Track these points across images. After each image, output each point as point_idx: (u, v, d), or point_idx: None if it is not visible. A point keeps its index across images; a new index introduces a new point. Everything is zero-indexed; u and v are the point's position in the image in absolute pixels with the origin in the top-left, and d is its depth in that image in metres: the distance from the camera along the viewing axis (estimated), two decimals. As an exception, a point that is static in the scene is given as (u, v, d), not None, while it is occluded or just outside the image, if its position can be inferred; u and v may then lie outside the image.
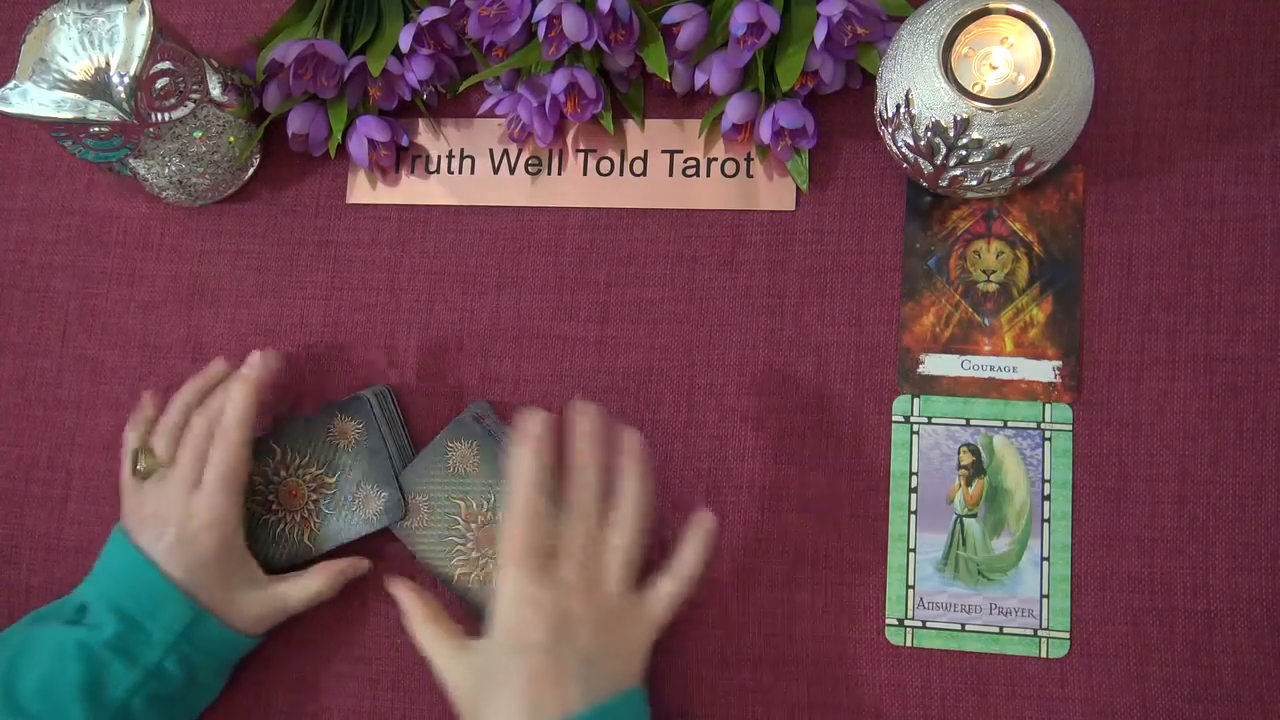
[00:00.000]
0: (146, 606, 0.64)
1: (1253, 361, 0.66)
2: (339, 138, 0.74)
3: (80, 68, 0.66)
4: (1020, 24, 0.61)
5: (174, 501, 0.66)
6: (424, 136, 0.76)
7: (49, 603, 0.67)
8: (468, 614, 0.68)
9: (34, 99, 0.66)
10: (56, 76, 0.66)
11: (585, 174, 0.74)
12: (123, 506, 0.68)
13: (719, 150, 0.73)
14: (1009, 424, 0.68)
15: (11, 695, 0.62)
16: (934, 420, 0.68)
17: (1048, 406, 0.67)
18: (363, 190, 0.76)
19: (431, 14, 0.70)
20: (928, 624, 0.67)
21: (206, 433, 0.67)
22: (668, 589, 0.62)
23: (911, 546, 0.67)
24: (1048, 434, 0.67)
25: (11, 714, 0.62)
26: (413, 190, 0.75)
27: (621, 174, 0.74)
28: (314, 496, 0.70)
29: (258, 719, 0.70)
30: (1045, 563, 0.66)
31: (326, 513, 0.70)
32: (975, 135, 0.61)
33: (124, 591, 0.65)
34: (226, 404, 0.67)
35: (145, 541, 0.66)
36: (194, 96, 0.70)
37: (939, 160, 0.63)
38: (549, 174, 0.74)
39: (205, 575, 0.65)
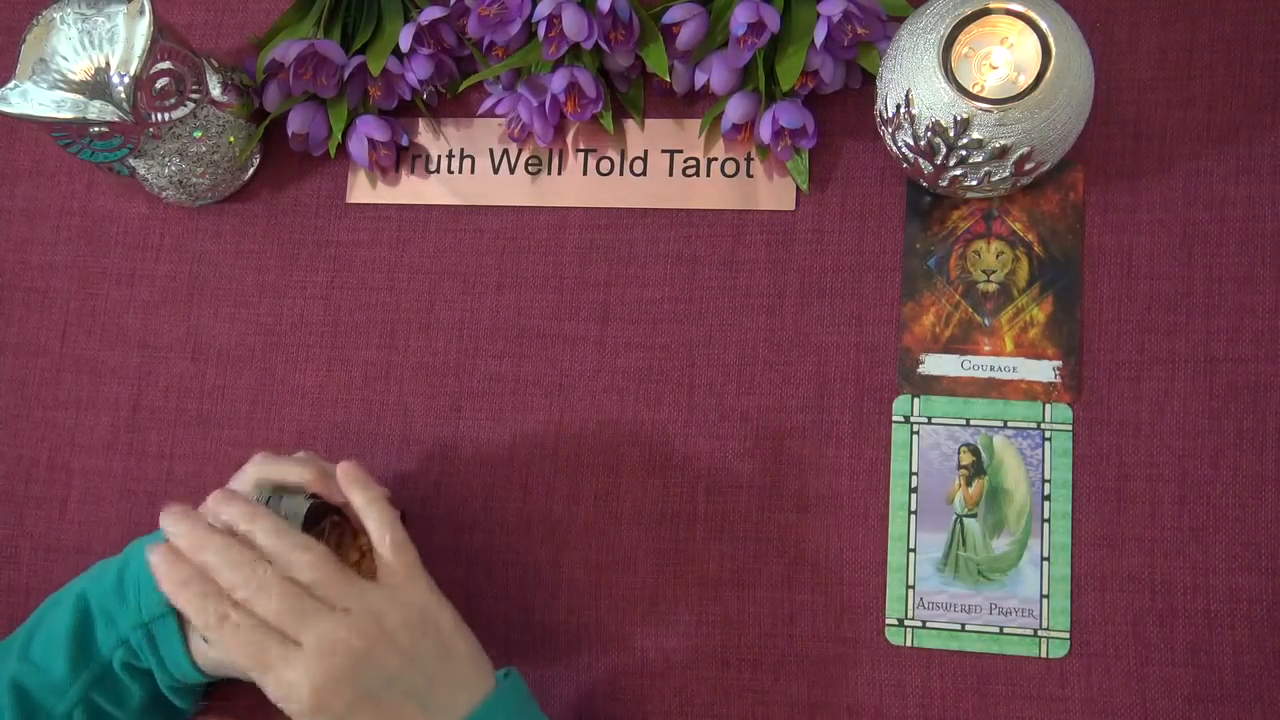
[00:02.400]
0: (139, 580, 0.62)
1: (1253, 361, 0.66)
2: (339, 137, 0.74)
3: (80, 68, 0.66)
4: (1020, 24, 0.61)
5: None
6: (424, 136, 0.76)
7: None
8: None
9: (34, 99, 0.66)
10: (56, 76, 0.66)
11: (585, 174, 0.74)
12: None
13: (719, 150, 0.73)
14: (1009, 424, 0.68)
15: (28, 643, 0.62)
16: (934, 420, 0.68)
17: (1048, 406, 0.67)
18: (363, 190, 0.76)
19: (431, 14, 0.70)
20: (928, 624, 0.67)
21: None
22: (387, 556, 0.59)
23: (911, 546, 0.67)
24: (1048, 434, 0.67)
25: (20, 660, 0.62)
26: (413, 190, 0.75)
27: (621, 174, 0.74)
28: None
29: None
30: (1045, 563, 0.66)
31: None
32: (975, 135, 0.61)
33: (134, 559, 0.63)
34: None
35: None
36: (194, 96, 0.70)
37: (939, 160, 0.63)
38: (549, 174, 0.74)
39: None
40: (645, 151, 0.74)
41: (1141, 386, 0.67)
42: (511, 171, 0.75)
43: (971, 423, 0.68)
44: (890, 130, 0.64)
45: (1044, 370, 0.68)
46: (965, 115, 0.60)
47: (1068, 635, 0.65)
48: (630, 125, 0.74)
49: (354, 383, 0.74)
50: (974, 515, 0.67)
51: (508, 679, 0.60)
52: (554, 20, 0.68)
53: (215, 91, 0.71)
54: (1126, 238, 0.68)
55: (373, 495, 0.61)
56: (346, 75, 0.72)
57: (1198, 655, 0.64)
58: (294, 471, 0.62)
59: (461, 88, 0.73)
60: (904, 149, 0.64)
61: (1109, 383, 0.67)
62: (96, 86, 0.66)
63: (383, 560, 0.59)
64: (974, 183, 0.64)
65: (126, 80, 0.65)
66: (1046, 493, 0.67)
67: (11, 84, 0.66)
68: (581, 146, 0.74)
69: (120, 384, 0.76)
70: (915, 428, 0.68)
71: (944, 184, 0.65)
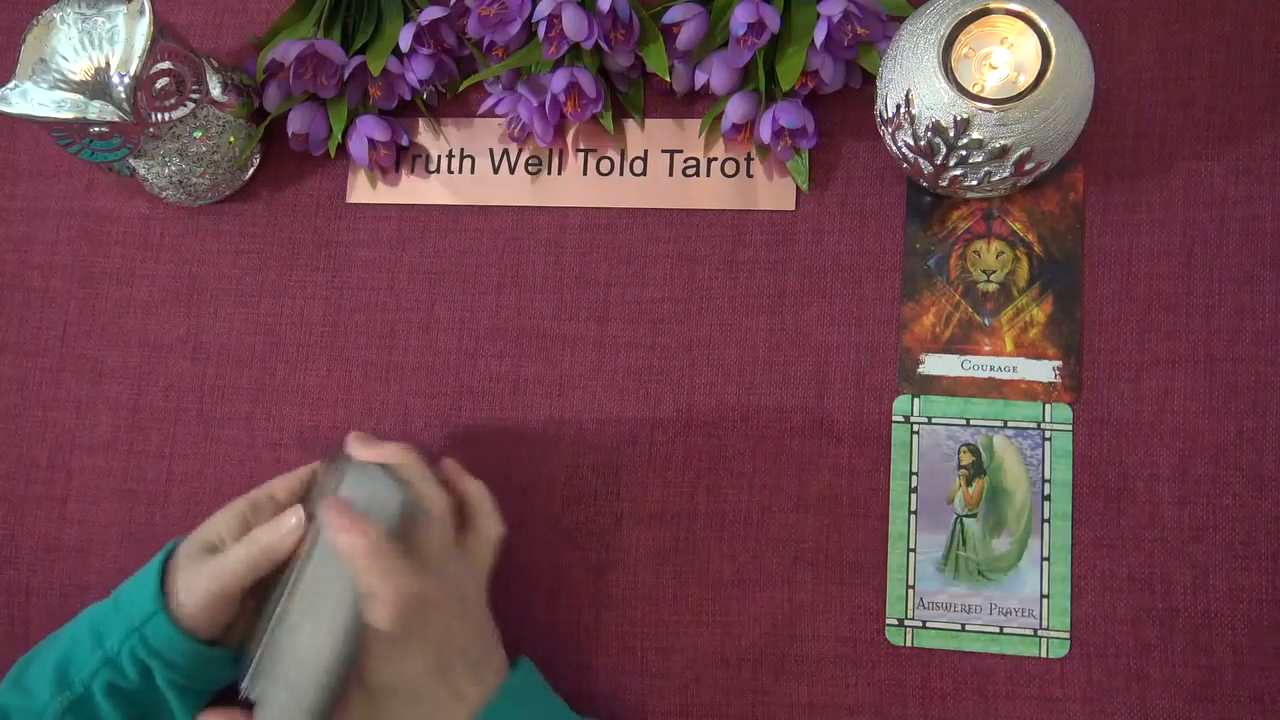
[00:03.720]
0: (131, 589, 0.62)
1: (1253, 361, 0.66)
2: (339, 137, 0.74)
3: (80, 68, 0.66)
4: (1020, 24, 0.61)
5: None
6: (424, 136, 0.76)
7: (47, 603, 0.67)
8: None
9: (34, 99, 0.66)
10: (56, 76, 0.66)
11: (585, 174, 0.74)
12: None
13: (719, 150, 0.73)
14: (1009, 424, 0.68)
15: (26, 667, 0.62)
16: (934, 420, 0.68)
17: (1048, 406, 0.67)
18: (363, 190, 0.76)
19: (431, 14, 0.70)
20: (928, 624, 0.67)
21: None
22: (491, 541, 0.64)
23: (911, 546, 0.67)
24: (1048, 434, 0.67)
25: (13, 685, 0.62)
26: (413, 190, 0.75)
27: (621, 174, 0.74)
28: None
29: None
30: (1045, 563, 0.66)
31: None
32: (975, 135, 0.61)
33: (139, 577, 0.63)
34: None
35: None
36: (194, 96, 0.70)
37: (939, 160, 0.63)
38: (549, 174, 0.74)
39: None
40: (645, 151, 0.74)
41: (1141, 386, 0.67)
42: (511, 171, 0.75)
43: (971, 423, 0.68)
44: (890, 130, 0.64)
45: (1044, 370, 0.68)
46: (965, 115, 0.60)
47: (1068, 635, 0.65)
48: (630, 125, 0.74)
49: (354, 383, 0.74)
50: (974, 515, 0.67)
51: (522, 664, 0.63)
52: (554, 20, 0.68)
53: (215, 91, 0.71)
54: (1126, 238, 0.68)
55: (484, 489, 0.65)
56: (346, 75, 0.72)
57: (1198, 655, 0.64)
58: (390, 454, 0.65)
59: (461, 88, 0.73)
60: (904, 149, 0.64)
61: (1109, 383, 0.67)
62: (96, 86, 0.66)
63: (484, 543, 0.64)
64: (974, 183, 0.64)
65: (126, 80, 0.65)
66: (1046, 493, 0.67)
67: (11, 84, 0.66)
68: (581, 146, 0.74)
69: (120, 384, 0.76)
70: (915, 428, 0.68)
71: (944, 184, 0.65)
